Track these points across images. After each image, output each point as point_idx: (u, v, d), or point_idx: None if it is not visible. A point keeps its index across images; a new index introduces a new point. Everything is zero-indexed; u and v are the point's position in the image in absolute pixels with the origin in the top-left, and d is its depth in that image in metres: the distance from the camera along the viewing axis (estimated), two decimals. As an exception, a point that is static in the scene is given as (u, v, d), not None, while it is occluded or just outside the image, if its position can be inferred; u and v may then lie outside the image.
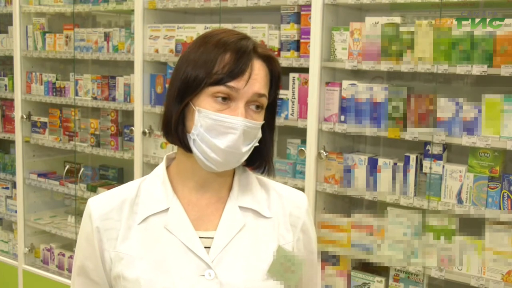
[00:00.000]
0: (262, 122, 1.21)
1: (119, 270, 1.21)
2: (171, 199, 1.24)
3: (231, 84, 1.15)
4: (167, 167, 1.30)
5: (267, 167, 1.29)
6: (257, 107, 1.19)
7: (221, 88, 1.15)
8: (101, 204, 1.25)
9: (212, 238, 1.22)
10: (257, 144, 1.22)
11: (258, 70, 1.18)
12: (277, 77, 1.24)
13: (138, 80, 3.30)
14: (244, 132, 1.16)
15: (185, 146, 1.21)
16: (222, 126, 1.15)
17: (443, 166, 2.46)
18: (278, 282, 1.23)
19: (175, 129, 1.20)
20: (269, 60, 1.22)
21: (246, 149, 1.19)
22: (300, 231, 1.32)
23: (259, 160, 1.27)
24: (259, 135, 1.22)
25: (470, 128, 2.35)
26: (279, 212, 1.30)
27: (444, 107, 2.39)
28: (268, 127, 1.26)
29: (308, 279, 1.39)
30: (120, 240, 1.22)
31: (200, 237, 1.21)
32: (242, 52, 1.16)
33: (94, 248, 1.23)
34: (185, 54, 1.22)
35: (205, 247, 1.20)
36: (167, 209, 1.23)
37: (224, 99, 1.16)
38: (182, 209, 1.23)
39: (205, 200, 1.26)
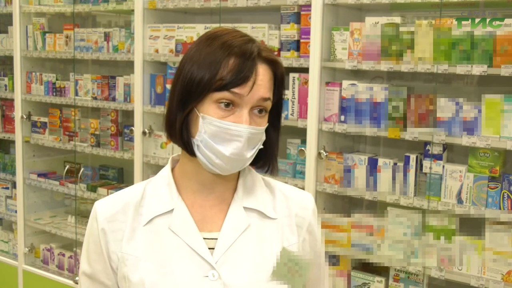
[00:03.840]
0: (266, 125, 1.21)
1: (124, 271, 1.21)
2: (176, 200, 1.24)
3: (235, 90, 1.14)
4: (172, 169, 1.30)
5: (271, 167, 1.29)
6: (261, 111, 1.19)
7: (225, 94, 1.14)
8: (107, 206, 1.25)
9: (216, 239, 1.22)
10: (262, 146, 1.22)
11: (263, 75, 1.17)
12: (280, 80, 1.23)
13: (138, 80, 3.30)
14: (249, 139, 1.16)
15: (190, 151, 1.20)
16: (226, 134, 1.15)
17: (443, 166, 2.46)
18: (282, 283, 1.22)
19: (179, 134, 1.20)
20: (274, 64, 1.21)
21: (250, 154, 1.19)
22: (306, 232, 1.32)
23: (263, 159, 1.27)
24: (263, 137, 1.22)
25: (470, 128, 2.35)
26: (284, 213, 1.30)
27: (444, 107, 2.39)
28: (273, 128, 1.26)
29: (315, 281, 1.38)
30: (126, 242, 1.22)
31: (204, 238, 1.21)
32: (246, 58, 1.15)
33: (102, 249, 1.23)
34: (189, 54, 1.21)
35: (209, 248, 1.20)
36: (172, 210, 1.23)
37: (228, 104, 1.15)
38: (187, 210, 1.23)
39: (210, 202, 1.26)
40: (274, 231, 1.26)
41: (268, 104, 1.20)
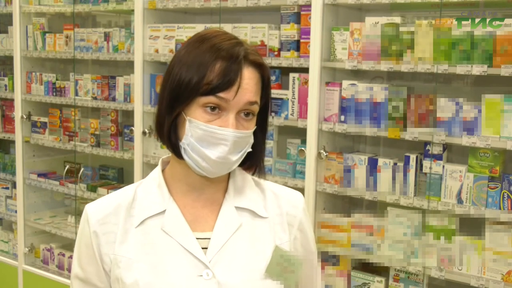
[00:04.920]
0: (253, 129, 1.22)
1: (117, 273, 1.21)
2: (168, 202, 1.24)
3: (221, 95, 1.15)
4: (163, 170, 1.30)
5: (257, 168, 1.29)
6: (248, 114, 1.19)
7: (211, 98, 1.15)
8: (98, 209, 1.26)
9: (209, 238, 1.22)
10: (250, 149, 1.23)
11: (249, 79, 1.18)
12: (267, 83, 1.24)
13: (138, 80, 3.30)
14: (235, 142, 1.17)
15: (177, 154, 1.21)
16: (213, 138, 1.16)
17: (443, 166, 2.46)
18: (275, 281, 1.23)
19: (168, 137, 1.21)
20: (260, 67, 1.21)
21: (237, 158, 1.20)
22: (297, 230, 1.32)
23: (250, 161, 1.27)
24: (251, 140, 1.22)
25: (470, 128, 2.35)
26: (276, 212, 1.31)
27: (444, 107, 2.39)
28: (260, 131, 1.26)
29: (308, 279, 1.39)
30: (118, 244, 1.22)
31: (197, 238, 1.21)
32: (233, 61, 1.16)
33: (94, 252, 1.23)
34: (178, 55, 1.22)
35: (203, 248, 1.21)
36: (164, 211, 1.23)
37: (214, 108, 1.16)
38: (179, 211, 1.24)
39: (201, 202, 1.26)
40: (266, 229, 1.27)
41: (255, 108, 1.20)
